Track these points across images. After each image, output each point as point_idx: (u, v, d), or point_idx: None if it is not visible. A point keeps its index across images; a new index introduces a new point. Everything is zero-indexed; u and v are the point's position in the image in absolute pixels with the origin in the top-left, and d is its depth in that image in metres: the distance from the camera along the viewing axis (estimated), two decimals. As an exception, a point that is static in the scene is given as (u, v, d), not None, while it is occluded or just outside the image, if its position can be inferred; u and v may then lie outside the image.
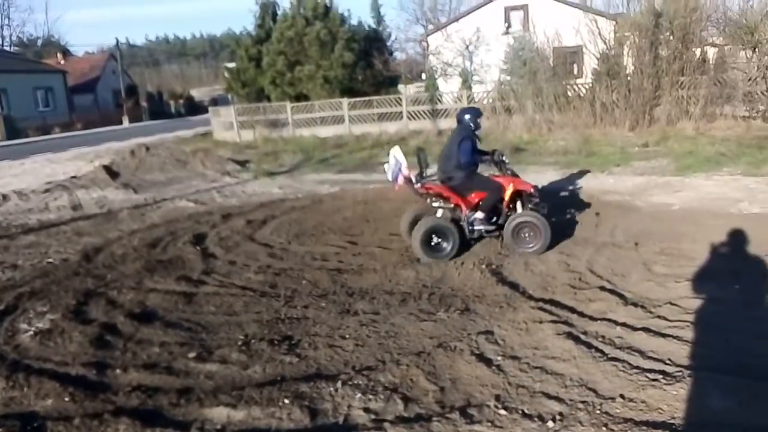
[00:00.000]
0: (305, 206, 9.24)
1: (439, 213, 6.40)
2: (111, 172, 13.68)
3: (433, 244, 6.08)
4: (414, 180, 6.21)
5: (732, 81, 16.06)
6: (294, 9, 22.58)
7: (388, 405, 3.26)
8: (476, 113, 6.51)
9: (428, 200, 6.47)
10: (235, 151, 17.38)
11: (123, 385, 3.65)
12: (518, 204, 6.43)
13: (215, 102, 42.32)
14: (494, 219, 6.38)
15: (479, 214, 6.29)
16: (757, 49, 16.03)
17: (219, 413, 3.26)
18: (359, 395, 3.35)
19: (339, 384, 3.47)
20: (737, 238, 5.99)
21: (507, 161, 6.62)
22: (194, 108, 50.37)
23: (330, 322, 4.49)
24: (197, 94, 59.86)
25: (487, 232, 6.39)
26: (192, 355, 4.03)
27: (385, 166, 6.39)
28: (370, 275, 5.67)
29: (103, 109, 43.10)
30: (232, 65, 25.52)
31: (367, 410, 3.23)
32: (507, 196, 6.33)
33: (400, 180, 6.13)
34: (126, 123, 40.03)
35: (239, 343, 4.19)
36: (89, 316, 4.87)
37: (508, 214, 6.35)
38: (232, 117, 21.42)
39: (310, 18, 22.10)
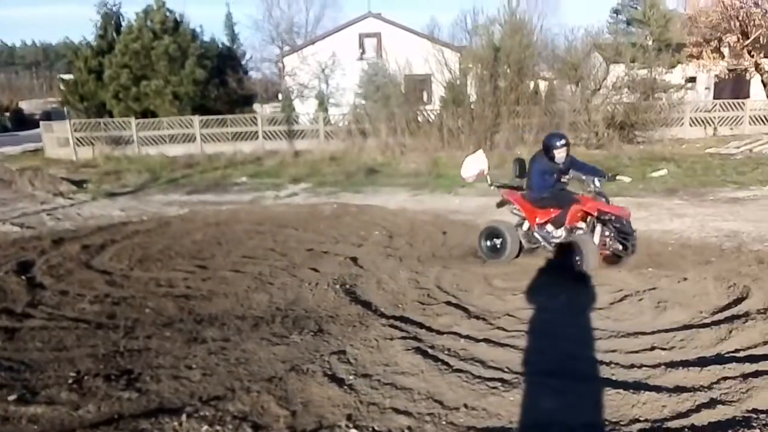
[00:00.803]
0: (150, 229, 8.69)
1: (526, 225, 6.53)
2: None
3: (491, 245, 6.57)
4: (488, 181, 6.88)
5: (560, 111, 18.00)
6: (140, 21, 21.43)
7: (236, 435, 3.13)
8: (551, 139, 6.33)
9: (507, 206, 6.73)
10: (70, 170, 15.96)
11: None
12: (598, 228, 6.17)
13: (48, 116, 38.47)
14: (557, 236, 6.35)
15: (549, 227, 6.37)
16: (580, 84, 18.12)
17: (42, 461, 2.92)
18: (206, 427, 3.18)
19: (183, 417, 3.27)
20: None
21: (598, 185, 6.18)
22: (23, 122, 45.50)
23: (175, 352, 4.23)
24: (27, 106, 54.13)
25: (545, 247, 6.43)
26: (12, 397, 3.56)
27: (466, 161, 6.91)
28: (220, 300, 5.44)
29: None
30: (69, 77, 23.55)
31: (214, 442, 3.08)
32: (569, 215, 6.23)
33: (473, 178, 6.88)
34: (-63, 137, 35.09)
35: (70, 380, 3.79)
36: None
37: (572, 232, 6.25)
38: (67, 132, 19.66)
39: (158, 31, 21.12)
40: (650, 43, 20.25)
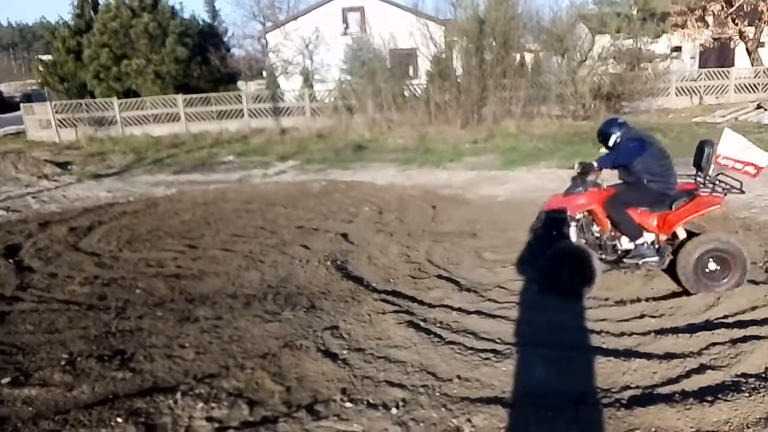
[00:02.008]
0: (138, 210, 8.62)
1: None
2: None
3: None
4: None
5: (546, 83, 17.90)
6: (118, -1, 20.92)
7: (232, 411, 3.15)
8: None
9: None
10: (54, 153, 15.72)
11: None
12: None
13: (29, 98, 37.75)
14: None
15: None
16: (565, 55, 18.02)
17: (39, 443, 2.92)
18: (201, 405, 3.20)
19: (178, 395, 3.28)
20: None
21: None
22: (3, 104, 44.61)
23: (168, 331, 4.23)
24: (6, 89, 53.13)
25: None
26: (6, 380, 3.56)
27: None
28: (211, 279, 5.43)
29: None
30: (47, 57, 23.02)
31: (210, 419, 3.09)
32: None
33: None
34: None
35: (63, 362, 3.79)
36: None
37: None
38: (49, 114, 19.30)
39: (137, 9, 20.64)
40: (635, 12, 20.07)
